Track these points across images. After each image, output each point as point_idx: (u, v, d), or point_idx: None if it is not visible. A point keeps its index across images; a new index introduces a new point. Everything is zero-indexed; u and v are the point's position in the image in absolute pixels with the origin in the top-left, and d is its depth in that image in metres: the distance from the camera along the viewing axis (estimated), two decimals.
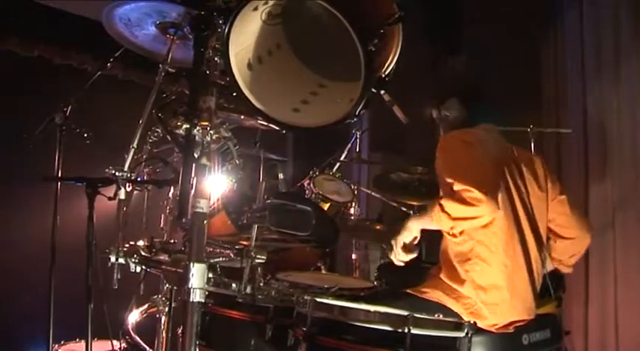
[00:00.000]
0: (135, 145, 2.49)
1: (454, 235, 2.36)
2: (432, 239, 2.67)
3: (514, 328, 2.24)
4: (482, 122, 2.57)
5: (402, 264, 2.49)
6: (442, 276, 2.37)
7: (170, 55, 2.64)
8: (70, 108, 2.96)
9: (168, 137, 2.60)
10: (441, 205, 2.24)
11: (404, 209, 3.77)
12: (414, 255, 2.47)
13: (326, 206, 3.38)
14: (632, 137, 3.72)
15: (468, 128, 2.56)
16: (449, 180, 2.26)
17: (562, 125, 4.01)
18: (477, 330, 2.01)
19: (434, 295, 2.32)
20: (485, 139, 2.49)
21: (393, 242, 2.45)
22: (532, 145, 3.42)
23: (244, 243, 2.21)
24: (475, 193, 2.17)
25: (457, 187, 2.21)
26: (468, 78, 2.74)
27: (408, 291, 2.39)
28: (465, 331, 1.95)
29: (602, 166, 3.85)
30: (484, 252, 2.31)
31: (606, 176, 3.81)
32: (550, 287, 2.65)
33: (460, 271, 2.32)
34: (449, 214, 2.23)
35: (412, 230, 2.42)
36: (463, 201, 2.19)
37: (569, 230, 2.60)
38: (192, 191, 1.67)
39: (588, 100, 3.97)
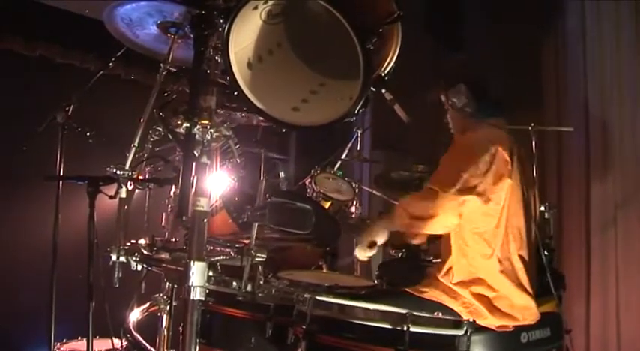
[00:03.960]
0: (136, 143, 2.50)
1: (420, 243, 2.46)
2: (431, 238, 2.68)
3: (514, 326, 2.24)
4: (492, 117, 2.54)
5: (367, 259, 2.63)
6: (440, 277, 2.37)
7: (171, 55, 2.65)
8: (71, 107, 2.97)
9: (170, 136, 2.60)
10: (401, 203, 2.33)
11: None
12: (374, 251, 2.56)
13: (327, 205, 3.39)
14: (634, 136, 3.72)
15: (476, 122, 2.53)
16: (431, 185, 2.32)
17: (563, 124, 4.00)
18: (476, 328, 2.01)
19: (433, 294, 2.32)
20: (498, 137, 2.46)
21: (358, 241, 2.54)
22: (533, 143, 3.42)
23: (245, 241, 2.21)
24: (435, 191, 2.25)
25: (425, 184, 2.32)
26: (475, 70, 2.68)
27: (407, 290, 2.39)
28: (464, 329, 1.95)
29: (603, 165, 3.84)
30: (483, 262, 2.32)
31: (608, 175, 3.81)
32: (550, 285, 2.65)
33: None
34: (407, 211, 2.31)
35: (375, 232, 2.50)
36: (421, 197, 2.30)
37: None
38: (193, 190, 1.68)
39: (590, 99, 3.97)
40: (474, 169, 2.29)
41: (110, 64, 3.14)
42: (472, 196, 2.28)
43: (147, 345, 2.64)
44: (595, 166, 3.89)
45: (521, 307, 2.28)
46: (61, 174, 2.99)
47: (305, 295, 2.08)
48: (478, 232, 2.32)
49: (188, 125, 1.71)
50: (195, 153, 1.71)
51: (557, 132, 3.97)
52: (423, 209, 2.27)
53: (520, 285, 2.30)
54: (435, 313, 2.06)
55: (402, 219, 2.33)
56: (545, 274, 2.58)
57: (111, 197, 2.35)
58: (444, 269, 2.38)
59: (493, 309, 2.24)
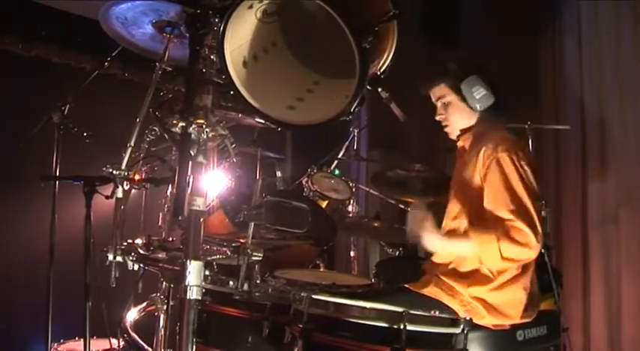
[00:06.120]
0: (132, 143, 2.50)
1: (491, 273, 2.28)
2: None
3: (510, 325, 2.24)
4: (501, 115, 2.51)
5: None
6: (442, 275, 2.37)
7: (167, 54, 2.65)
8: (67, 107, 2.97)
9: (166, 135, 2.60)
10: (498, 244, 2.17)
11: (402, 206, 3.78)
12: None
13: (324, 204, 3.39)
14: (636, 132, 3.69)
15: (489, 119, 2.48)
16: (508, 216, 2.20)
17: (560, 121, 4.00)
18: (473, 326, 2.01)
19: (431, 291, 2.32)
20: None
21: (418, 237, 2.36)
22: (530, 141, 3.42)
23: (241, 240, 2.21)
24: (530, 238, 2.16)
25: (516, 224, 2.18)
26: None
27: (405, 286, 2.39)
28: (461, 327, 1.95)
29: (600, 162, 3.84)
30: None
31: (606, 172, 3.80)
32: (553, 283, 2.66)
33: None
34: (501, 254, 2.18)
35: (437, 249, 2.41)
36: (519, 243, 2.17)
37: None
38: (189, 189, 1.68)
39: (586, 96, 3.96)
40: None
41: (106, 63, 3.14)
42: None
43: (144, 345, 2.64)
44: (592, 164, 3.89)
45: (522, 306, 2.28)
46: (58, 174, 2.99)
47: (302, 294, 2.08)
48: None
49: (184, 124, 1.71)
50: (191, 152, 1.71)
51: (554, 130, 3.96)
52: (519, 254, 2.19)
53: (524, 283, 2.31)
54: (432, 312, 2.05)
55: (494, 261, 2.22)
56: (542, 272, 2.58)
57: (107, 197, 2.35)
58: (448, 267, 2.38)
59: (490, 308, 2.24)
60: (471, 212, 2.39)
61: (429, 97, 2.58)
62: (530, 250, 2.18)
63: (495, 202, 2.26)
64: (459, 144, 2.58)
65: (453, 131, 2.57)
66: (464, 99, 2.45)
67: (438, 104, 2.55)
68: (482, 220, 2.30)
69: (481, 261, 2.28)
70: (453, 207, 2.47)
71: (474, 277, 2.30)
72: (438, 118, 2.56)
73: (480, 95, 2.41)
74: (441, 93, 2.51)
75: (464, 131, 2.54)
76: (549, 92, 4.25)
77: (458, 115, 2.51)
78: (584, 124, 3.94)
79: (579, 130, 3.93)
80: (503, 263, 2.21)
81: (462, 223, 2.41)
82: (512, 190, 2.23)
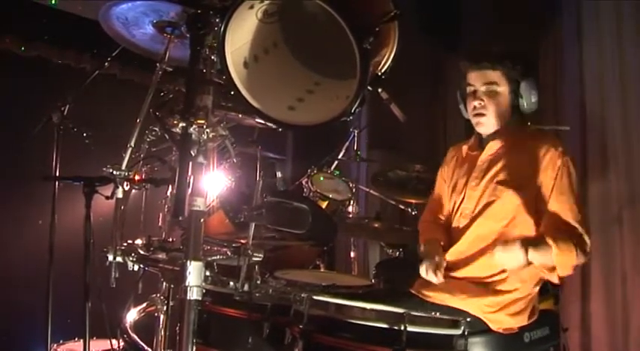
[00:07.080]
0: (132, 143, 2.50)
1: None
2: None
3: (519, 327, 2.19)
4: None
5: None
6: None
7: (167, 54, 2.64)
8: (67, 107, 2.97)
9: (166, 136, 2.60)
10: (575, 252, 2.11)
11: (402, 207, 3.78)
12: None
13: (324, 204, 3.39)
14: (638, 132, 3.67)
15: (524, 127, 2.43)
16: (577, 224, 2.18)
17: (561, 122, 3.99)
18: (477, 330, 2.00)
19: (439, 297, 2.24)
20: None
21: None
22: None
23: (242, 241, 2.21)
24: (589, 247, 2.17)
25: (583, 233, 2.17)
26: None
27: (411, 291, 2.35)
28: (462, 328, 1.94)
29: (601, 163, 3.83)
30: None
31: (608, 173, 3.79)
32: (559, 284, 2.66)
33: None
34: (575, 263, 2.13)
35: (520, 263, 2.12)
36: (585, 252, 2.15)
37: None
38: (190, 190, 1.67)
39: (587, 97, 3.96)
40: None
41: (106, 63, 3.14)
42: None
43: (144, 345, 2.64)
44: (592, 165, 3.88)
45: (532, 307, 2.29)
46: (57, 174, 2.98)
47: (302, 295, 2.08)
48: None
49: (184, 125, 1.71)
50: (191, 153, 1.70)
51: (554, 131, 3.95)
52: (582, 262, 2.15)
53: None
54: (433, 313, 2.04)
55: (569, 266, 2.13)
56: None
57: (107, 197, 2.35)
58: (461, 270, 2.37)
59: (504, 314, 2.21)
60: (523, 213, 2.26)
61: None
62: (587, 259, 2.17)
63: (565, 209, 2.19)
64: (496, 141, 2.38)
65: (488, 123, 2.35)
66: (516, 95, 2.30)
67: (482, 89, 2.32)
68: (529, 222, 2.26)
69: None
70: (501, 208, 2.28)
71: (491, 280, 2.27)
72: (476, 103, 2.34)
73: (535, 99, 2.30)
74: (496, 79, 2.31)
75: (500, 128, 2.37)
76: (550, 93, 4.24)
77: (500, 109, 2.32)
78: (585, 124, 3.93)
79: (580, 130, 3.92)
80: (570, 271, 2.14)
81: (517, 225, 2.27)
82: (577, 198, 2.21)
